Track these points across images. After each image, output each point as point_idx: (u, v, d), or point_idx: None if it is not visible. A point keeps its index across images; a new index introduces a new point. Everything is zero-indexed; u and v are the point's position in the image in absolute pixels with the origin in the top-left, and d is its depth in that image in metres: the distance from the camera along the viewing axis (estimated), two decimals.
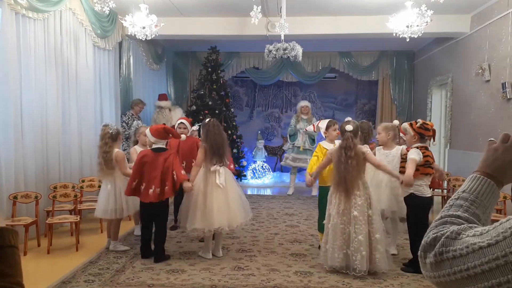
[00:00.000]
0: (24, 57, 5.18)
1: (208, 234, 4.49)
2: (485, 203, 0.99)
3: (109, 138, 4.77)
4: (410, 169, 4.01)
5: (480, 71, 6.77)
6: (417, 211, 4.12)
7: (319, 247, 4.78)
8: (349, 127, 4.08)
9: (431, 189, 4.85)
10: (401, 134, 4.97)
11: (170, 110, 8.28)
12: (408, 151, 4.21)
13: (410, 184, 4.03)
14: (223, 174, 4.50)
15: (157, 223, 4.54)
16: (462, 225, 0.92)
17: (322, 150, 4.78)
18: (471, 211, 0.97)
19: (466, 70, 7.52)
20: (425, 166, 4.09)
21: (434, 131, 4.27)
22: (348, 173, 4.00)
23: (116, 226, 4.86)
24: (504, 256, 0.79)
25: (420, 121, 4.24)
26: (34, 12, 5.22)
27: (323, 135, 5.07)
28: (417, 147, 4.12)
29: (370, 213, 4.03)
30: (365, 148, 4.19)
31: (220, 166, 4.51)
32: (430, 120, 9.24)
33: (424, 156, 4.05)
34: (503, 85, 6.08)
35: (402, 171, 4.17)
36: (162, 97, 8.81)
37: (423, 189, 4.10)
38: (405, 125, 4.28)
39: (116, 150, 4.83)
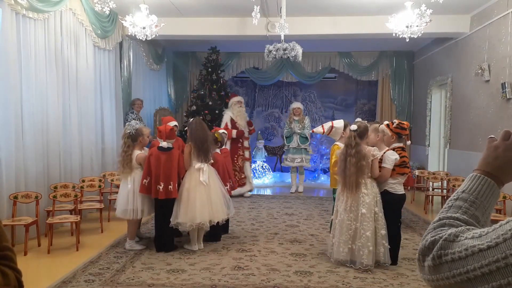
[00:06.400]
0: (24, 57, 5.18)
1: (190, 228, 4.71)
2: (485, 204, 0.97)
3: (128, 138, 4.84)
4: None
5: (479, 71, 6.77)
6: (389, 207, 4.33)
7: None
8: (353, 127, 4.31)
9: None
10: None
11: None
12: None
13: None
14: (206, 172, 4.76)
15: (168, 218, 4.74)
16: (460, 227, 0.90)
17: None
18: (470, 213, 0.95)
19: (465, 70, 7.53)
20: (402, 166, 4.32)
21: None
22: (346, 170, 4.19)
23: (133, 226, 4.91)
24: (504, 258, 0.78)
25: (396, 121, 4.53)
26: (34, 12, 5.22)
27: (336, 136, 5.04)
28: (394, 149, 4.34)
29: (376, 210, 4.23)
30: (376, 151, 4.30)
31: (206, 163, 4.78)
32: (429, 121, 9.26)
33: (401, 157, 4.29)
34: (503, 85, 6.09)
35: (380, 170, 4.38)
36: (233, 95, 8.94)
37: (397, 186, 4.35)
38: (382, 126, 4.51)
39: (137, 152, 4.87)
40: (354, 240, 4.22)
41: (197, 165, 4.74)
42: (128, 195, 4.80)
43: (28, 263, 4.40)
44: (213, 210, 4.76)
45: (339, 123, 5.01)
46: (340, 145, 4.89)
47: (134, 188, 4.80)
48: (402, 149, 4.41)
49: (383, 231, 4.21)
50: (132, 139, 4.85)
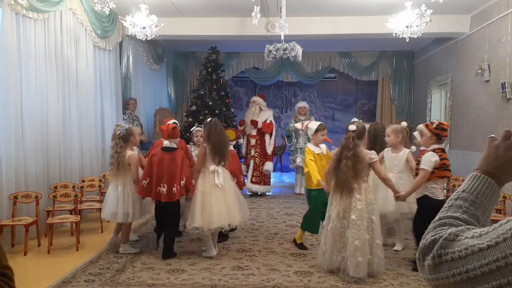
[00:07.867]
0: (24, 57, 5.17)
1: (208, 233, 4.51)
2: (485, 203, 0.97)
3: (119, 139, 4.68)
4: (412, 187, 4.08)
5: (479, 71, 6.78)
6: (427, 213, 4.06)
7: None
8: (352, 127, 4.01)
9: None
10: (415, 134, 4.82)
11: (261, 109, 8.55)
12: (423, 153, 4.13)
13: (402, 201, 4.15)
14: (221, 174, 4.52)
15: (169, 221, 4.60)
16: (460, 227, 0.90)
17: (312, 153, 4.77)
18: (471, 212, 0.95)
19: (465, 70, 7.53)
20: (441, 169, 4.00)
21: None
22: (341, 173, 3.93)
23: (126, 229, 4.77)
24: (504, 258, 0.78)
25: (436, 121, 4.20)
26: (34, 12, 5.22)
27: (310, 137, 5.11)
28: (434, 150, 4.04)
29: (373, 218, 3.95)
30: (373, 155, 4.04)
31: (221, 166, 4.55)
32: (429, 120, 9.25)
33: (441, 159, 3.98)
34: (503, 85, 6.09)
35: (417, 173, 4.09)
36: (260, 95, 9.08)
37: (437, 191, 4.04)
38: (421, 126, 4.24)
39: (129, 152, 4.75)
40: (347, 248, 3.92)
41: (212, 167, 4.48)
42: (118, 197, 4.64)
43: (28, 263, 4.40)
44: (230, 214, 4.50)
45: (313, 125, 4.97)
46: (310, 147, 4.81)
47: (126, 190, 4.66)
48: (443, 150, 4.11)
49: (378, 241, 3.94)
50: (124, 139, 4.71)
